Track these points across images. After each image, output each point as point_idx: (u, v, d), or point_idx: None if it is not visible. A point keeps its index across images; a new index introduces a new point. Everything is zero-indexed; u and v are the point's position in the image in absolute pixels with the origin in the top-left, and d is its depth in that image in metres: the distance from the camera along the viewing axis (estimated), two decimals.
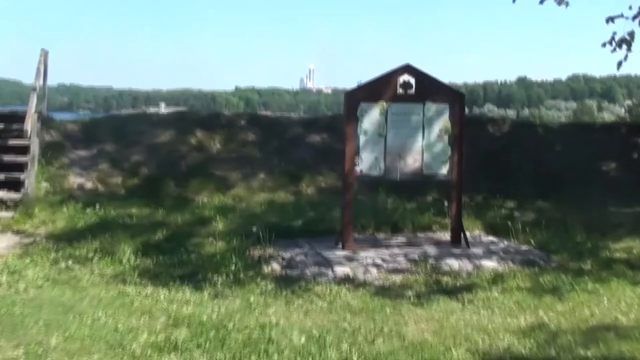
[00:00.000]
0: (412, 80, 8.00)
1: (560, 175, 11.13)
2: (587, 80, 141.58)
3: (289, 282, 6.83)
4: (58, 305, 5.89)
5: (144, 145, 10.61)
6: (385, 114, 7.91)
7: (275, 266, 7.37)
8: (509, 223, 8.90)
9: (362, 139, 7.92)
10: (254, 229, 7.99)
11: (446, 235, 8.61)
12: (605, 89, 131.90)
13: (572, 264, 7.69)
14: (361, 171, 7.95)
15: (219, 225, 8.65)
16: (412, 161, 8.08)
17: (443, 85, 8.24)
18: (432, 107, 8.06)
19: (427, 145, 8.07)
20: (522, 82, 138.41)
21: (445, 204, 9.13)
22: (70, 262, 7.32)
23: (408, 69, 8.02)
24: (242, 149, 10.89)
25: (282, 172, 10.67)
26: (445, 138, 8.12)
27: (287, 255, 7.66)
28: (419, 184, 9.18)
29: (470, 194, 9.74)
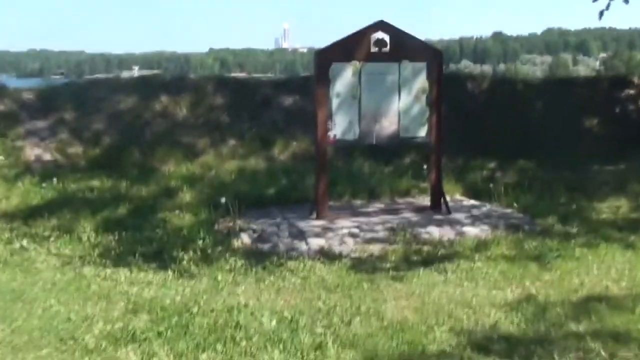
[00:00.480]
0: (387, 38, 7.54)
1: (542, 133, 10.77)
2: (562, 33, 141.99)
3: (260, 257, 6.44)
4: (7, 292, 5.43)
5: (105, 112, 10.03)
6: (358, 74, 7.48)
7: (246, 239, 6.97)
8: (491, 185, 8.67)
9: (335, 101, 7.49)
10: (223, 200, 7.54)
11: (426, 200, 8.28)
12: (579, 42, 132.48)
13: (558, 227, 7.43)
14: (335, 136, 7.54)
15: (186, 196, 8.22)
16: (389, 124, 7.69)
17: (419, 43, 7.79)
18: (408, 66, 7.63)
19: (404, 107, 7.68)
20: (498, 37, 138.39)
21: (424, 167, 8.80)
22: (25, 241, 6.85)
23: (382, 25, 7.55)
24: (210, 114, 10.32)
25: (253, 137, 10.14)
26: (423, 98, 7.73)
27: (258, 227, 7.28)
28: (396, 148, 8.90)
29: (450, 156, 9.37)
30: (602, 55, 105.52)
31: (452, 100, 9.47)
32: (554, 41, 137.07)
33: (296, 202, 8.13)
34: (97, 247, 6.77)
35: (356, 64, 7.48)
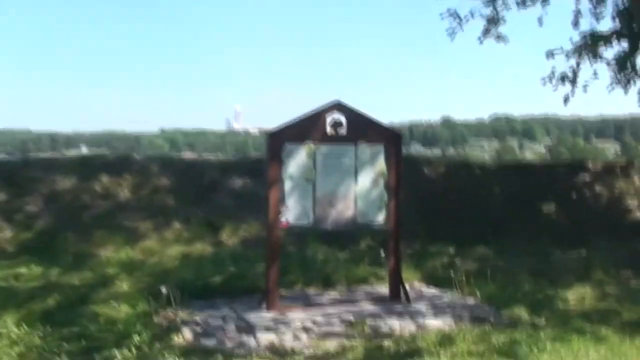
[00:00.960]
0: (343, 119, 7.25)
1: (500, 217, 10.64)
2: (508, 120, 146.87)
3: (203, 355, 5.80)
4: None
5: (41, 193, 9.39)
6: (313, 156, 7.11)
7: (188, 334, 6.33)
8: (452, 273, 8.24)
9: (287, 184, 7.07)
10: (164, 289, 6.91)
11: (384, 289, 7.84)
12: (525, 129, 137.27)
13: (525, 318, 6.99)
14: (287, 220, 7.07)
15: (124, 285, 7.61)
16: (345, 208, 7.29)
17: (377, 125, 7.50)
18: (365, 149, 7.29)
19: (361, 191, 7.31)
20: (447, 122, 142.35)
21: (382, 253, 8.32)
22: None
23: (338, 106, 7.27)
24: (155, 195, 9.89)
25: (199, 221, 9.75)
26: (381, 182, 7.38)
27: (202, 319, 6.69)
28: (352, 233, 8.66)
29: (408, 241, 8.99)
30: (547, 141, 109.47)
31: (409, 184, 9.19)
32: (501, 127, 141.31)
33: (245, 291, 7.60)
34: (18, 345, 6.01)
35: (310, 145, 7.12)
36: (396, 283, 7.54)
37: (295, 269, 8.19)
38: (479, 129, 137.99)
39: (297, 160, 7.11)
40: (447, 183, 11.28)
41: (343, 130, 7.20)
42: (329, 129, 7.18)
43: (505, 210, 10.84)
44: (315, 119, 7.17)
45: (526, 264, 8.96)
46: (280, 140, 7.08)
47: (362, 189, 7.33)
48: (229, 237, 9.63)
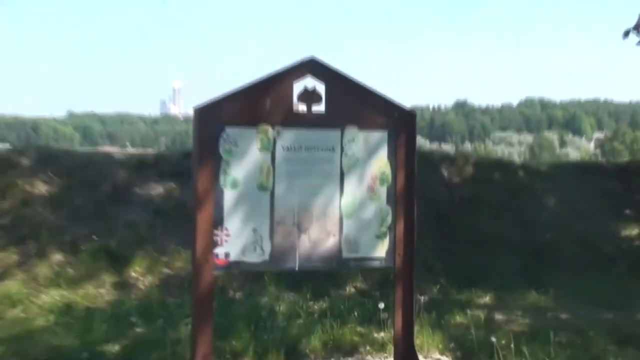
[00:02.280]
0: (322, 88, 6.26)
1: (559, 244, 10.56)
2: (545, 105, 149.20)
3: None
4: None
5: None
6: (271, 149, 6.09)
7: None
8: (491, 337, 7.35)
9: (229, 195, 6.08)
10: None
11: None
12: (567, 118, 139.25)
13: None
14: (227, 256, 6.02)
15: None
16: (322, 235, 6.33)
17: (377, 98, 6.53)
18: (357, 137, 6.30)
19: (349, 206, 6.38)
20: (461, 107, 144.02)
21: (381, 305, 7.82)
22: None
23: (313, 66, 6.33)
24: (24, 209, 9.53)
25: (94, 249, 9.31)
26: (382, 192, 6.41)
27: None
28: (335, 276, 8.61)
29: (421, 285, 8.59)
30: (598, 135, 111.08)
31: (421, 194, 8.57)
32: (535, 115, 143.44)
33: None
34: None
35: (267, 130, 6.04)
36: (406, 356, 6.62)
37: (242, 331, 7.51)
38: (505, 118, 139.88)
39: (244, 155, 6.13)
40: (477, 191, 11.06)
41: (321, 106, 6.23)
42: (297, 104, 6.26)
43: (563, 232, 10.71)
44: (275, 87, 6.13)
45: (606, 320, 8.49)
46: (216, 122, 5.99)
47: (351, 202, 6.41)
48: (141, 276, 9.28)
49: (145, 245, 9.54)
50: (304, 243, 6.24)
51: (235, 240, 6.05)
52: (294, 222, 6.21)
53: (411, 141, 6.54)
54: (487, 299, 9.26)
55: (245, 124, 6.07)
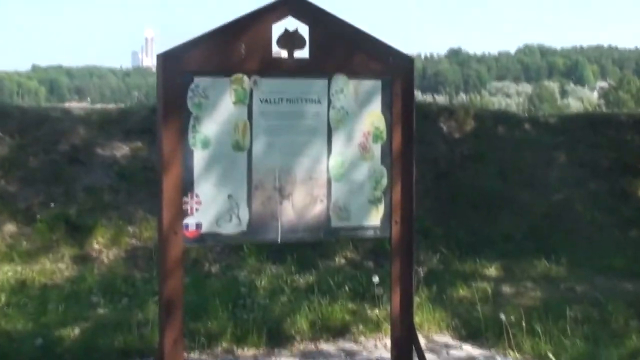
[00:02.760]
0: (305, 30, 5.93)
1: (571, 207, 10.45)
2: (545, 53, 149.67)
3: None
4: None
5: None
6: (247, 101, 5.79)
7: None
8: (500, 314, 7.13)
9: (199, 156, 5.77)
10: None
11: (380, 347, 6.98)
12: (569, 65, 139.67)
13: None
14: (199, 227, 5.68)
15: None
16: (308, 200, 6.02)
17: (369, 41, 6.20)
18: (346, 87, 6.02)
19: (338, 168, 6.05)
20: (456, 56, 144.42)
21: (375, 278, 7.58)
22: None
23: (294, 4, 6.01)
24: None
25: (51, 218, 9.12)
26: (376, 151, 6.10)
27: None
28: (322, 246, 8.61)
29: (417, 253, 8.30)
30: (601, 83, 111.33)
31: (419, 152, 8.33)
32: (534, 63, 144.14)
33: (125, 355, 6.66)
34: None
35: (243, 80, 5.68)
36: (404, 336, 6.35)
37: (219, 311, 7.30)
38: (502, 66, 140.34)
39: (216, 110, 5.81)
40: (478, 147, 10.89)
41: (304, 52, 5.94)
42: (277, 49, 5.92)
43: (575, 192, 10.61)
44: (251, 30, 5.79)
45: (625, 290, 8.38)
46: (183, 71, 5.63)
47: (340, 163, 6.08)
48: (104, 248, 9.11)
49: (109, 213, 9.39)
50: (287, 211, 5.92)
51: (207, 209, 5.74)
52: (275, 186, 5.90)
53: (409, 91, 6.20)
54: (492, 269, 9.13)
55: (217, 72, 5.74)
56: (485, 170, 10.53)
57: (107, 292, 7.93)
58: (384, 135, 6.09)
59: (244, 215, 5.80)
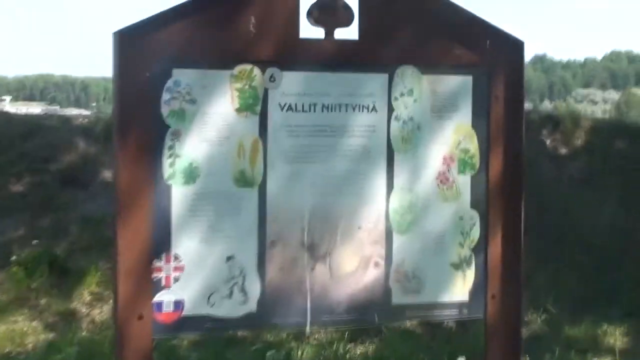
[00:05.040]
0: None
1: None
2: (633, 59, 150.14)
3: None
4: None
5: None
6: (259, 107, 4.30)
7: None
8: None
9: (178, 194, 4.09)
10: None
11: None
12: None
13: None
14: (178, 306, 4.11)
15: None
16: (355, 264, 4.44)
17: (451, 14, 4.54)
18: (418, 86, 4.37)
19: (402, 211, 4.43)
20: (540, 62, 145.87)
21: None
22: None
23: None
24: None
25: (31, 258, 8.12)
26: (464, 185, 4.48)
27: None
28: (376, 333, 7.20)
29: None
30: None
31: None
32: (621, 70, 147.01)
33: None
34: None
35: (252, 74, 4.07)
36: None
37: None
38: (588, 73, 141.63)
39: (209, 122, 4.09)
40: (594, 168, 9.54)
41: (351, 30, 4.23)
42: (308, 25, 4.16)
43: None
44: None
45: None
46: (154, 58, 3.83)
47: (406, 205, 4.40)
48: (96, 302, 7.87)
49: (109, 252, 7.77)
50: (321, 280, 4.17)
51: (193, 278, 3.99)
52: (303, 242, 4.12)
53: (516, 92, 4.43)
54: (617, 334, 7.90)
55: (208, 62, 3.96)
56: (602, 198, 8.96)
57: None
58: (476, 161, 4.31)
59: (253, 287, 4.05)
